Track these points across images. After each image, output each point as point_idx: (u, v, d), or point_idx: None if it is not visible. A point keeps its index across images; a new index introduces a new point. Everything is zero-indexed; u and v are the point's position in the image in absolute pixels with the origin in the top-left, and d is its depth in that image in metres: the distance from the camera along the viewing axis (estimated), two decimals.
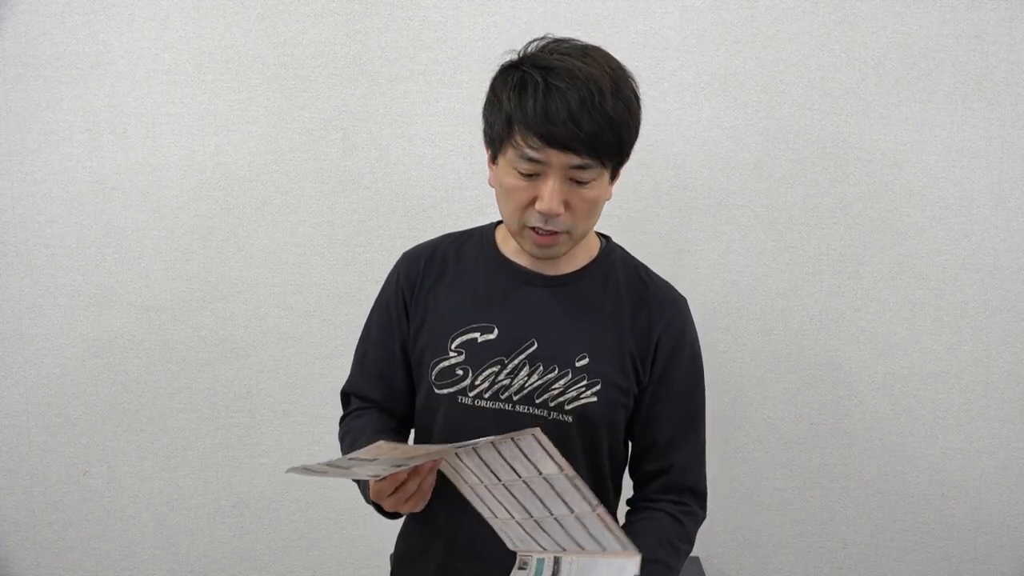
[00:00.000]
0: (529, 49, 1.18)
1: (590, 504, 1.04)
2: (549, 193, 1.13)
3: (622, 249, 1.33)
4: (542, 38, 1.19)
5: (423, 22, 1.85)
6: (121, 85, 1.86)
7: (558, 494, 1.06)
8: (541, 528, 1.12)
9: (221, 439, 1.96)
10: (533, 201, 1.15)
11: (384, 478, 1.10)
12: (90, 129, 1.87)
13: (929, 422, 1.93)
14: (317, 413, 1.92)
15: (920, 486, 1.95)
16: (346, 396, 1.39)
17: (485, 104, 1.21)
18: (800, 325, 1.91)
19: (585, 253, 1.28)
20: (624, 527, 1.20)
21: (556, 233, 1.17)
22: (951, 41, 1.83)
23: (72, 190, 1.88)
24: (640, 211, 1.88)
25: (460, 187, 1.88)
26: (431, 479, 1.13)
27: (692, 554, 1.96)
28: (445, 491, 1.22)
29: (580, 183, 1.14)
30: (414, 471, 1.10)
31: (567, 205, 1.15)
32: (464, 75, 1.85)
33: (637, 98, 1.19)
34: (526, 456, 1.03)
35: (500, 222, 1.32)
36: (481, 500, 1.15)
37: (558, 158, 1.12)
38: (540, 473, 1.04)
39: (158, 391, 1.94)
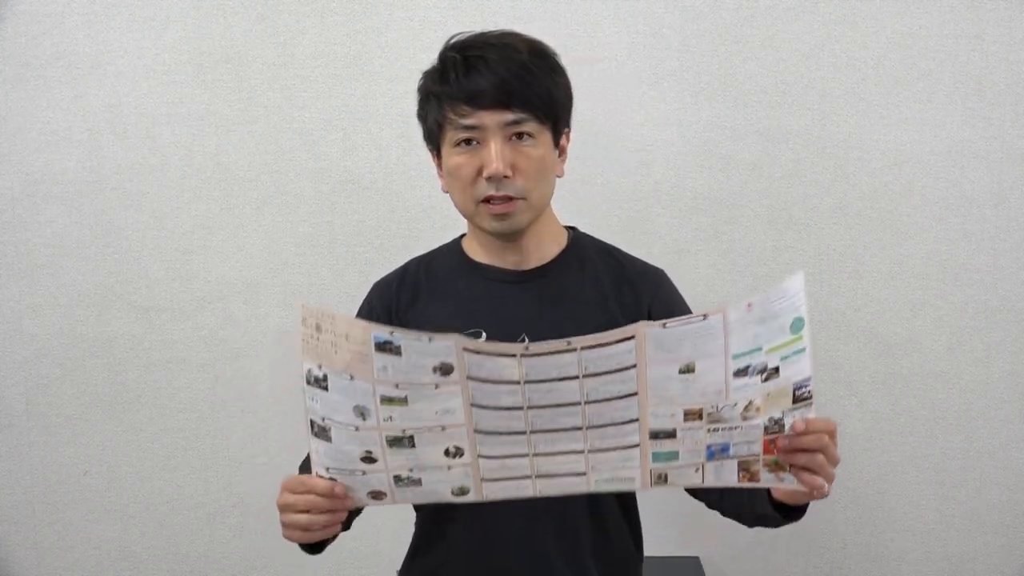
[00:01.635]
0: (448, 43, 1.21)
1: (567, 349, 0.95)
2: (493, 155, 1.13)
3: (590, 236, 1.33)
4: (457, 34, 1.22)
5: (423, 22, 1.85)
6: (121, 85, 1.86)
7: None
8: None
9: (221, 439, 1.96)
10: (479, 173, 1.15)
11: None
12: (90, 129, 1.87)
13: (929, 422, 1.93)
14: None
15: (920, 486, 1.95)
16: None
17: (417, 107, 1.22)
18: None
19: (555, 244, 1.27)
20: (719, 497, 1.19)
21: (511, 199, 1.16)
22: (951, 41, 1.83)
23: (72, 190, 1.88)
24: (640, 211, 1.88)
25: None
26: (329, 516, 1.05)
27: (692, 554, 1.96)
28: (461, 506, 1.22)
29: (521, 139, 1.15)
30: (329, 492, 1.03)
31: (514, 168, 1.15)
32: None
33: (561, 66, 1.20)
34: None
35: (463, 235, 1.32)
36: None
37: (491, 118, 1.13)
38: (516, 381, 0.96)
39: (158, 391, 1.94)
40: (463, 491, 1.04)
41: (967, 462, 1.94)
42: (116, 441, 1.95)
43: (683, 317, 0.95)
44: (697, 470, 1.03)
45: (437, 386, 0.97)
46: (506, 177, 1.14)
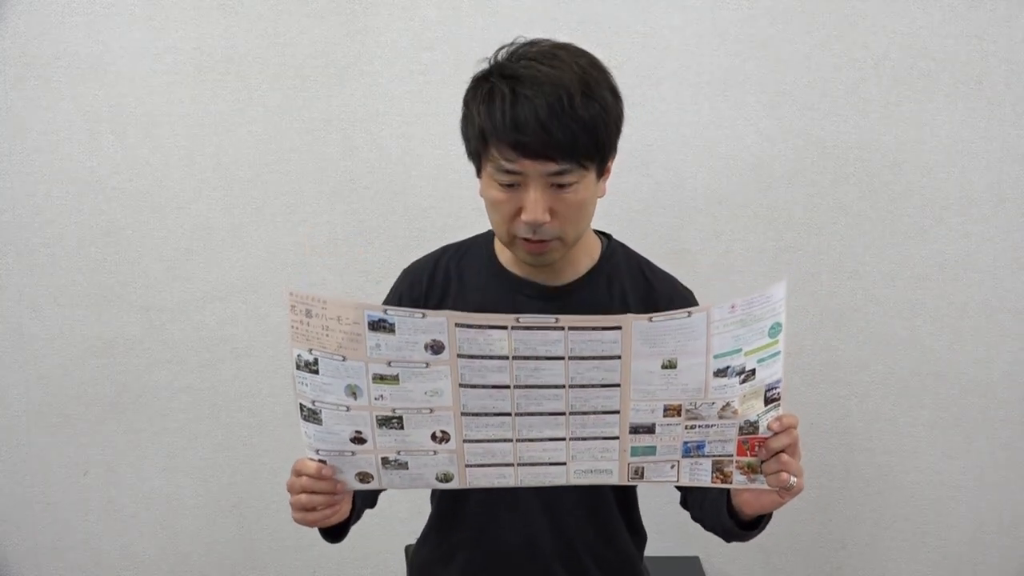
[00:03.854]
0: (499, 57, 1.16)
1: (555, 326, 0.99)
2: (531, 203, 1.11)
3: (624, 247, 1.32)
4: (511, 43, 1.17)
5: (423, 22, 1.85)
6: (121, 85, 1.86)
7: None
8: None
9: (221, 439, 1.96)
10: (519, 212, 1.13)
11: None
12: (90, 129, 1.87)
13: (929, 422, 1.93)
14: None
15: (920, 486, 1.95)
16: None
17: (461, 120, 1.19)
18: (800, 325, 1.91)
19: (587, 258, 1.26)
20: (698, 500, 1.22)
21: (546, 241, 1.15)
22: (951, 41, 1.83)
23: (72, 190, 1.88)
24: (640, 211, 1.88)
25: (460, 187, 1.88)
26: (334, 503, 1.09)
27: (692, 554, 1.96)
28: (472, 499, 1.22)
29: (562, 187, 1.12)
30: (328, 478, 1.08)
31: (552, 212, 1.13)
32: (464, 75, 1.84)
33: (614, 92, 1.15)
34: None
35: None
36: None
37: (534, 167, 1.10)
38: (505, 357, 1.00)
39: (158, 391, 1.94)
40: (447, 477, 1.08)
41: (967, 462, 1.94)
42: (116, 441, 1.95)
43: (669, 312, 0.98)
44: (672, 467, 1.08)
45: (428, 364, 1.00)
46: (543, 223, 1.13)
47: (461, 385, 1.02)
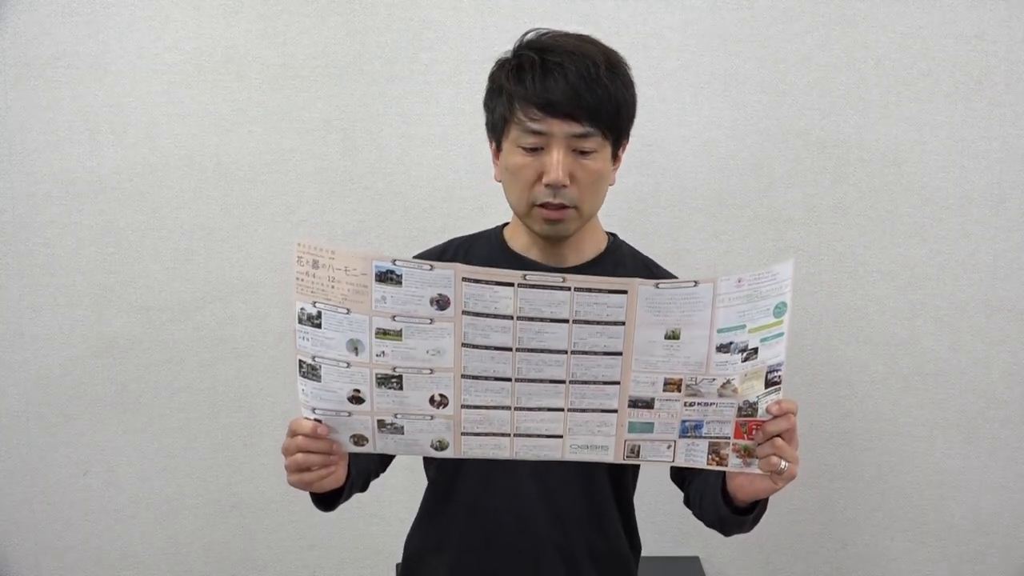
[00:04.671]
0: (524, 40, 1.22)
1: (562, 285, 1.00)
2: (554, 164, 1.16)
3: (629, 245, 1.36)
4: (535, 29, 1.24)
5: (423, 22, 1.85)
6: (121, 85, 1.86)
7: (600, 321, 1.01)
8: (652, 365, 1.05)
9: (221, 439, 1.96)
10: (539, 178, 1.18)
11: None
12: (90, 129, 1.87)
13: (929, 422, 1.93)
14: None
15: (920, 486, 1.95)
16: None
17: (485, 95, 1.24)
18: (800, 325, 1.91)
19: (594, 246, 1.30)
20: (695, 492, 1.23)
21: (564, 208, 1.19)
22: (951, 41, 1.83)
23: (72, 190, 1.88)
24: (640, 211, 1.88)
25: (460, 187, 1.88)
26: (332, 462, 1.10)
27: (692, 554, 1.96)
28: (459, 483, 1.23)
29: (583, 153, 1.17)
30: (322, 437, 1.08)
31: (572, 178, 1.17)
32: (464, 75, 1.85)
33: (632, 81, 1.24)
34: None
35: (505, 224, 1.34)
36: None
37: (559, 127, 1.15)
38: (509, 316, 1.00)
39: (158, 391, 1.94)
40: (442, 445, 1.08)
41: (967, 462, 1.94)
42: (116, 441, 1.95)
43: (676, 280, 1.00)
44: (669, 447, 1.08)
45: (432, 321, 1.01)
46: (564, 186, 1.17)
47: (464, 344, 1.02)
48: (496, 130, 1.23)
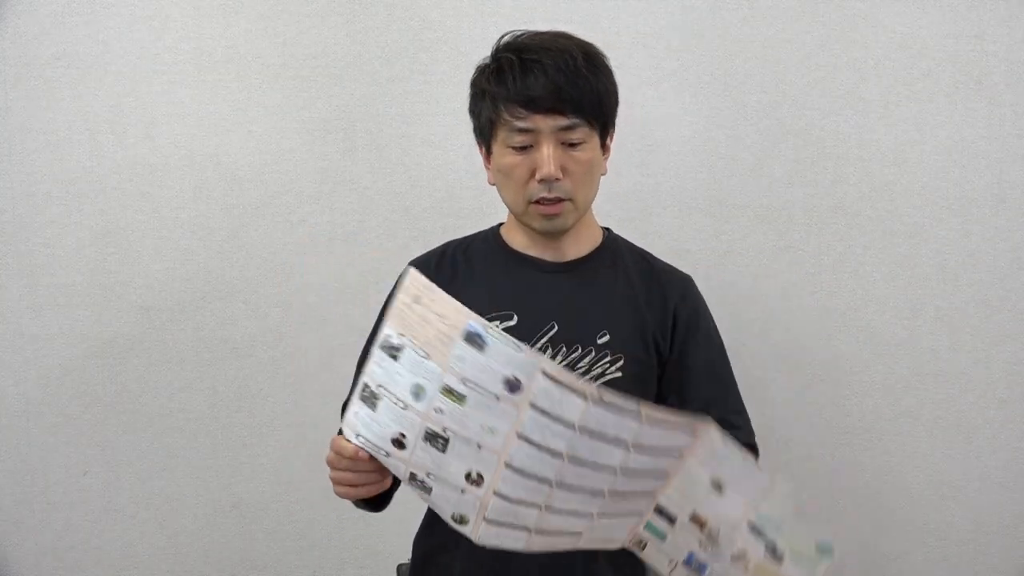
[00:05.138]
0: (501, 43, 1.25)
1: (634, 413, 0.95)
2: (545, 159, 1.18)
3: (624, 238, 1.38)
4: (511, 32, 1.25)
5: (423, 22, 1.85)
6: (121, 85, 1.86)
7: (604, 436, 0.96)
8: (618, 496, 1.02)
9: (221, 439, 1.96)
10: (532, 175, 1.20)
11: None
12: (90, 129, 1.87)
13: (929, 422, 1.93)
14: (317, 413, 1.92)
15: (920, 486, 1.95)
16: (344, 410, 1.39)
17: (470, 102, 1.27)
18: (800, 325, 1.91)
19: (590, 240, 1.32)
20: None
21: (560, 201, 1.21)
22: (951, 41, 1.83)
23: (72, 190, 1.88)
24: (640, 211, 1.88)
25: (460, 187, 1.88)
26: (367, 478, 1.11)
27: None
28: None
29: (573, 145, 1.19)
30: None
31: (564, 171, 1.19)
32: (464, 75, 1.82)
33: (610, 70, 1.25)
34: (550, 415, 0.95)
35: (501, 224, 1.35)
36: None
37: (545, 122, 1.17)
38: (572, 426, 0.95)
39: (158, 391, 1.94)
40: (463, 520, 1.03)
41: (967, 462, 1.94)
42: (116, 441, 1.95)
43: (743, 448, 0.99)
44: (671, 563, 1.06)
45: (499, 399, 0.97)
46: (557, 179, 1.19)
47: (518, 435, 0.97)
48: (484, 134, 1.24)
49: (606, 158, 1.27)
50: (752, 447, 1.32)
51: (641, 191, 1.88)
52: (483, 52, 1.28)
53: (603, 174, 1.27)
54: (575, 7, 1.84)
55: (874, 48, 1.84)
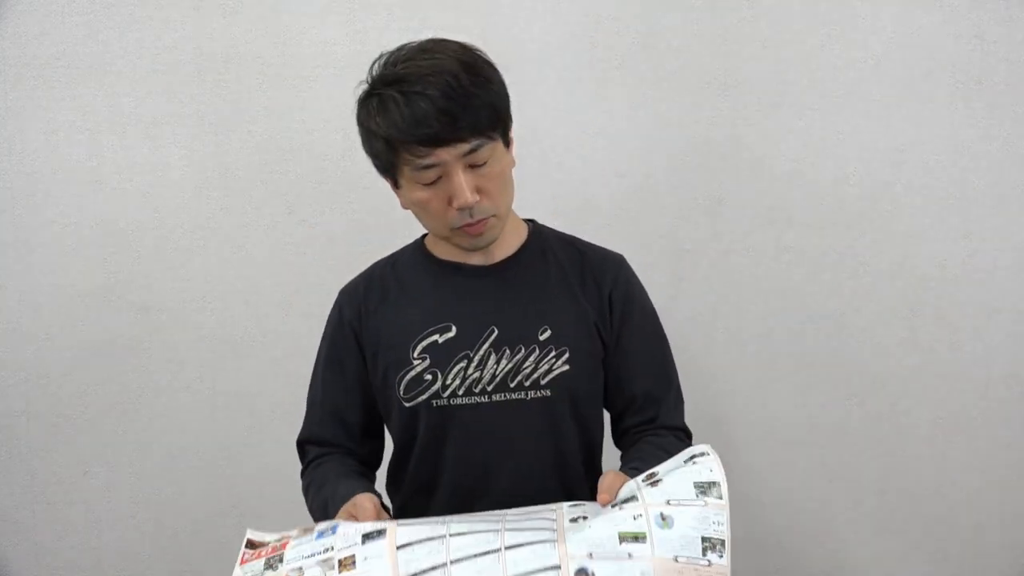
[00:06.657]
0: (374, 72, 1.18)
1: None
2: (459, 188, 1.15)
3: (550, 228, 1.36)
4: (379, 57, 1.18)
5: (422, 22, 1.85)
6: (121, 85, 1.86)
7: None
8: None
9: (221, 439, 1.96)
10: (449, 203, 1.17)
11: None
12: (90, 129, 1.87)
13: (929, 422, 1.93)
14: None
15: (920, 486, 1.95)
16: (301, 446, 1.39)
17: (362, 142, 1.21)
18: (800, 325, 1.91)
19: (516, 237, 1.31)
20: (624, 458, 1.27)
21: (483, 220, 1.19)
22: (951, 41, 1.83)
23: (72, 190, 1.88)
24: (640, 211, 1.88)
25: None
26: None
27: None
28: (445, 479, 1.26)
29: (480, 166, 1.16)
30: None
31: (480, 191, 1.17)
32: None
33: (491, 65, 1.18)
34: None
35: (426, 235, 1.34)
36: None
37: (449, 153, 1.13)
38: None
39: (158, 391, 1.94)
40: None
41: (967, 462, 1.94)
42: (116, 441, 1.95)
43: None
44: None
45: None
46: (475, 202, 1.16)
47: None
48: (388, 172, 1.21)
49: (511, 148, 1.23)
50: (676, 429, 1.31)
51: (641, 191, 1.88)
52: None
53: (513, 166, 1.23)
54: (575, 7, 1.84)
55: (874, 48, 1.84)
